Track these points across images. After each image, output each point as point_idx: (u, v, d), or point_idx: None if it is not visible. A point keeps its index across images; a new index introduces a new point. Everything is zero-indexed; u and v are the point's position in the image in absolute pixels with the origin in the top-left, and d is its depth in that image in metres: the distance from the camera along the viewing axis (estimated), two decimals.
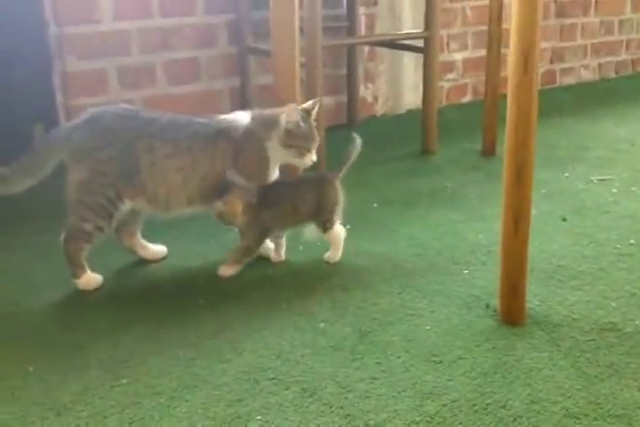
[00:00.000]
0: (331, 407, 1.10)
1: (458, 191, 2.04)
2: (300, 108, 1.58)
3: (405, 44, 2.47)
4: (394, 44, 2.52)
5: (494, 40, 2.40)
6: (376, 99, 2.91)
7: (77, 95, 2.28)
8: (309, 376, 1.18)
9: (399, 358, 1.23)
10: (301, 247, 1.68)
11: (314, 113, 1.60)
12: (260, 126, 1.55)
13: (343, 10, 2.69)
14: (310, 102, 1.61)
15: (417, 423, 1.06)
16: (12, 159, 1.50)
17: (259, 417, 1.08)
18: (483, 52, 3.24)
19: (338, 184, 1.64)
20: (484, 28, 3.15)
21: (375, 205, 1.95)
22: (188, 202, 1.55)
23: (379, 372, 1.19)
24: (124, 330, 1.34)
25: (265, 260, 1.62)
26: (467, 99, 3.17)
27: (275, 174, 1.62)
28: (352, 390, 1.14)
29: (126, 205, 1.52)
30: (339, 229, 1.62)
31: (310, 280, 1.52)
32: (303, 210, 1.59)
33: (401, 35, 2.62)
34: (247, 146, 1.54)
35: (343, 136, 2.58)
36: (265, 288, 1.50)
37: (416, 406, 1.10)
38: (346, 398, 1.12)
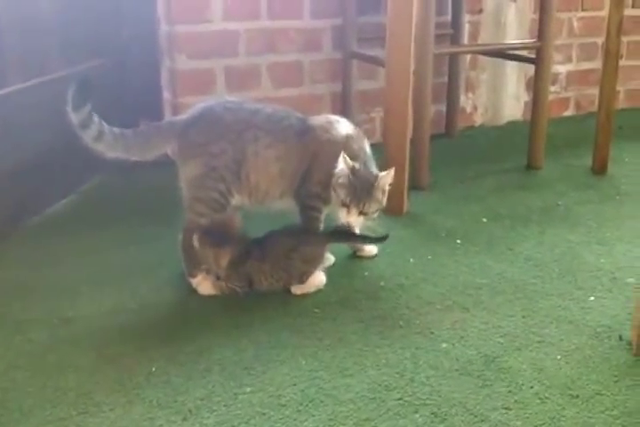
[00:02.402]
0: None
1: (572, 210, 1.96)
2: (356, 166, 1.48)
3: (515, 55, 2.40)
4: (503, 54, 2.45)
5: (612, 53, 2.28)
6: (475, 109, 2.84)
7: (184, 93, 2.31)
8: (437, 400, 1.14)
9: (532, 388, 1.17)
10: (412, 260, 1.65)
11: (382, 182, 1.49)
12: (345, 150, 1.50)
13: (448, 17, 2.65)
14: (384, 172, 1.51)
15: None
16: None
17: None
18: (588, 65, 3.16)
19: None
20: (591, 39, 3.08)
21: (484, 220, 1.90)
22: (281, 194, 1.56)
23: (512, 402, 1.13)
24: (246, 334, 1.33)
25: (376, 271, 1.59)
26: (568, 113, 3.06)
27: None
28: (485, 419, 1.09)
29: (235, 200, 1.54)
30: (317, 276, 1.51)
31: (426, 296, 1.48)
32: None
33: (514, 44, 2.54)
34: (325, 153, 1.53)
35: (441, 146, 2.59)
36: (379, 301, 1.47)
37: None
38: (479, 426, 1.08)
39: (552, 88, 2.98)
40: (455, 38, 2.63)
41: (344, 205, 1.48)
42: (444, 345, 1.30)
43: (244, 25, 2.34)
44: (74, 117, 1.43)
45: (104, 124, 1.47)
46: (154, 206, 1.91)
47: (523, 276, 1.57)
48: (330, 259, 1.63)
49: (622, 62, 2.76)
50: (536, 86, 2.29)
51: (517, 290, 1.51)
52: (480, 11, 2.71)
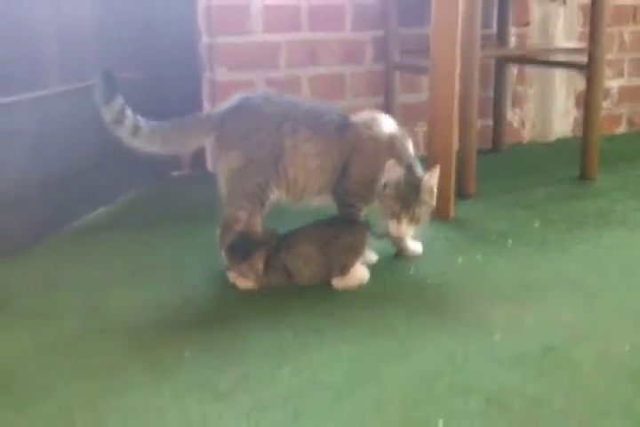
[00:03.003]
0: (525, 421, 0.97)
1: (630, 216, 1.87)
2: (402, 169, 1.44)
3: (564, 62, 2.37)
4: (552, 63, 2.43)
5: None
6: (523, 124, 2.81)
7: None
8: (492, 387, 1.06)
9: (597, 376, 1.08)
10: (460, 259, 1.59)
11: (431, 182, 1.47)
12: (389, 149, 1.49)
13: (493, 29, 2.65)
14: (429, 173, 1.48)
15: None
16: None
17: (440, 423, 0.98)
18: None
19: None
20: None
21: (537, 224, 1.83)
22: (319, 191, 1.53)
23: (576, 390, 1.05)
24: (284, 321, 1.29)
25: (422, 269, 1.54)
26: (621, 130, 3.00)
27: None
28: (546, 406, 1.01)
29: (274, 194, 1.52)
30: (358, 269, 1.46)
31: (476, 291, 1.42)
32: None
33: (563, 49, 2.51)
34: (366, 150, 1.50)
35: (489, 160, 2.54)
36: (425, 295, 1.41)
37: None
38: (540, 413, 0.99)
39: (604, 104, 2.94)
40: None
41: (394, 215, 1.44)
42: (497, 336, 1.22)
43: (285, 36, 2.38)
44: (105, 113, 1.44)
45: (139, 117, 1.47)
46: (191, 215, 1.90)
47: (580, 273, 1.49)
48: (372, 257, 1.59)
49: None
50: (588, 93, 2.24)
51: (575, 286, 1.43)
52: (527, 23, 2.71)
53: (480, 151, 2.35)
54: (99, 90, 1.42)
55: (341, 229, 1.45)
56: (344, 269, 1.43)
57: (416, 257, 1.61)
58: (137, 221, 1.90)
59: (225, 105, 1.55)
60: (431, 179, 1.47)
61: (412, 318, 1.30)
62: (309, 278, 1.44)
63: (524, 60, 2.66)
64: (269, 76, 2.40)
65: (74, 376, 1.13)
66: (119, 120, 1.44)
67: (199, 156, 2.47)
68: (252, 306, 1.37)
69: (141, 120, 1.47)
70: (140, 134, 1.47)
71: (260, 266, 1.43)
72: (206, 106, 2.40)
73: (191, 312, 1.36)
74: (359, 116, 1.57)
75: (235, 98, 1.55)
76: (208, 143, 1.57)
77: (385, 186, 1.45)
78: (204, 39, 2.33)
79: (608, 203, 1.99)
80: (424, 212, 1.47)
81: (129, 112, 1.45)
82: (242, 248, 1.43)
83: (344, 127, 1.53)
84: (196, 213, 1.90)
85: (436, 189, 1.49)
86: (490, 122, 2.70)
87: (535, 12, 2.71)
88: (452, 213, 1.90)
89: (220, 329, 1.27)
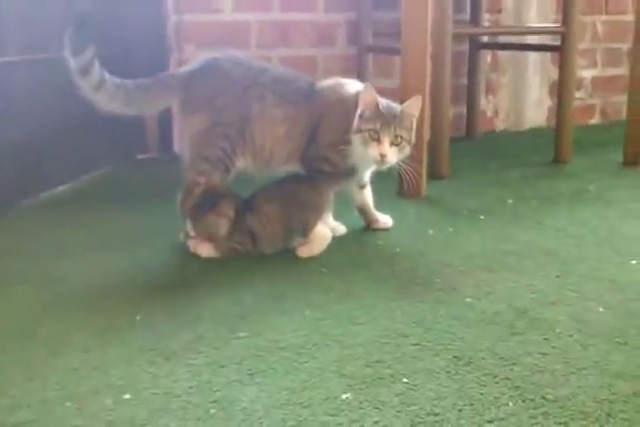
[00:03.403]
0: (494, 378, 0.92)
1: (604, 194, 1.84)
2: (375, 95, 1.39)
3: (537, 45, 2.35)
4: (524, 46, 2.41)
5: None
6: (497, 113, 2.78)
7: None
8: (461, 346, 1.01)
9: (571, 336, 1.03)
10: (431, 231, 1.54)
11: (412, 111, 1.41)
12: (356, 104, 1.41)
13: (467, 15, 2.63)
14: (409, 101, 1.43)
15: (611, 402, 0.86)
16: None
17: (405, 380, 0.92)
18: (613, 71, 3.12)
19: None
20: (616, 45, 3.05)
21: (510, 200, 1.78)
22: (287, 159, 1.47)
23: (549, 348, 1.00)
24: (246, 287, 1.23)
25: (392, 240, 1.48)
26: (594, 121, 2.99)
27: (366, 165, 1.46)
28: (518, 363, 0.96)
29: (240, 161, 1.45)
30: (321, 230, 1.41)
31: (447, 260, 1.37)
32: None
33: (536, 28, 2.49)
34: (335, 113, 1.45)
35: (463, 148, 2.51)
36: (394, 264, 1.35)
37: (605, 385, 0.90)
38: (512, 370, 0.94)
39: (577, 94, 2.93)
40: (474, 38, 2.61)
41: (373, 136, 1.37)
42: (469, 300, 1.17)
43: (256, 16, 2.33)
44: (73, 63, 1.36)
45: (105, 72, 1.41)
46: (154, 194, 1.82)
47: (554, 243, 1.45)
48: (341, 229, 1.53)
49: None
50: (562, 73, 2.20)
51: (549, 255, 1.39)
52: (499, 10, 2.70)
53: (453, 139, 2.32)
54: (70, 38, 1.34)
55: (301, 186, 1.40)
56: (305, 230, 1.38)
57: (386, 229, 1.56)
58: (100, 197, 1.82)
59: (191, 65, 1.49)
60: (411, 105, 1.41)
61: (381, 286, 1.24)
62: (272, 240, 1.38)
63: (497, 45, 2.65)
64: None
65: (16, 340, 1.05)
66: (86, 70, 1.37)
67: (166, 139, 2.40)
68: (212, 274, 1.30)
69: (107, 75, 1.41)
70: (104, 89, 1.40)
71: (230, 212, 1.36)
72: None
73: (148, 280, 1.29)
74: (325, 82, 1.52)
75: (202, 59, 1.49)
76: (173, 104, 1.50)
77: (362, 114, 1.38)
78: (172, 17, 2.28)
79: (582, 182, 1.96)
80: (405, 138, 1.39)
81: (97, 65, 1.38)
82: (209, 202, 1.36)
83: (311, 93, 1.48)
84: (160, 191, 1.81)
85: (415, 122, 1.42)
86: (463, 110, 2.68)
87: None
88: (423, 192, 1.85)
89: (176, 295, 1.21)
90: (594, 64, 2.93)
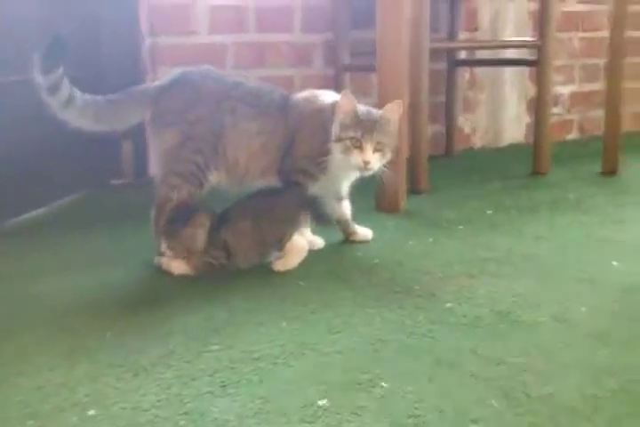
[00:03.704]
0: (476, 379, 0.89)
1: (583, 201, 1.84)
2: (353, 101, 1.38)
3: (514, 59, 2.38)
4: (501, 61, 2.43)
5: (616, 73, 2.18)
6: (474, 130, 2.80)
7: None
8: (442, 349, 0.98)
9: (554, 336, 1.01)
10: (411, 242, 1.52)
11: (392, 116, 1.40)
12: (333, 112, 1.41)
13: (443, 34, 2.67)
14: (389, 104, 1.43)
15: (597, 398, 0.83)
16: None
17: (383, 384, 0.88)
18: (591, 87, 3.16)
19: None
20: (593, 61, 3.10)
21: (489, 211, 1.77)
22: (262, 173, 1.45)
23: (532, 348, 0.97)
24: (220, 303, 1.19)
25: (371, 251, 1.46)
26: (572, 136, 3.02)
27: (344, 177, 1.46)
28: (501, 363, 0.93)
29: (213, 176, 1.43)
30: (297, 241, 1.38)
31: (426, 268, 1.34)
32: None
33: (513, 42, 2.52)
34: (311, 124, 1.44)
35: (442, 164, 2.51)
36: (373, 274, 1.33)
37: (590, 382, 0.87)
38: (495, 370, 0.91)
39: (555, 110, 2.95)
40: (451, 55, 2.64)
41: (355, 144, 1.35)
42: (449, 305, 1.14)
43: (232, 38, 2.35)
44: (42, 81, 1.35)
45: (75, 89, 1.40)
46: (126, 218, 1.78)
47: (534, 249, 1.44)
48: (318, 242, 1.51)
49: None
50: (539, 87, 2.22)
51: (529, 260, 1.37)
52: (476, 28, 2.74)
53: (432, 157, 2.32)
54: (41, 57, 1.33)
55: (275, 199, 1.38)
56: (280, 244, 1.35)
57: (365, 242, 1.54)
58: (72, 221, 1.79)
59: (163, 80, 1.48)
60: (392, 108, 1.40)
61: (359, 295, 1.21)
62: (247, 255, 1.35)
63: (474, 62, 2.68)
64: None
65: None
66: (56, 88, 1.36)
67: (141, 164, 2.38)
68: (184, 291, 1.27)
69: (77, 92, 1.39)
70: (73, 106, 1.38)
71: (206, 222, 1.33)
72: None
73: (119, 298, 1.25)
74: (300, 94, 1.51)
75: (174, 73, 1.48)
76: (145, 119, 1.48)
77: (341, 122, 1.36)
78: (147, 39, 2.28)
79: (561, 192, 1.96)
80: (386, 144, 1.37)
81: (67, 82, 1.37)
82: (183, 216, 1.33)
83: (286, 105, 1.47)
84: (133, 215, 1.79)
85: (397, 126, 1.41)
86: (441, 127, 2.69)
87: (484, 18, 2.75)
88: (402, 206, 1.84)
89: (147, 313, 1.17)
90: (572, 80, 2.97)
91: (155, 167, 1.47)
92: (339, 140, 1.37)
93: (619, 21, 2.11)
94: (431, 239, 1.54)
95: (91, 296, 1.26)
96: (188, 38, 2.27)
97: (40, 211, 1.88)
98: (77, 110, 1.39)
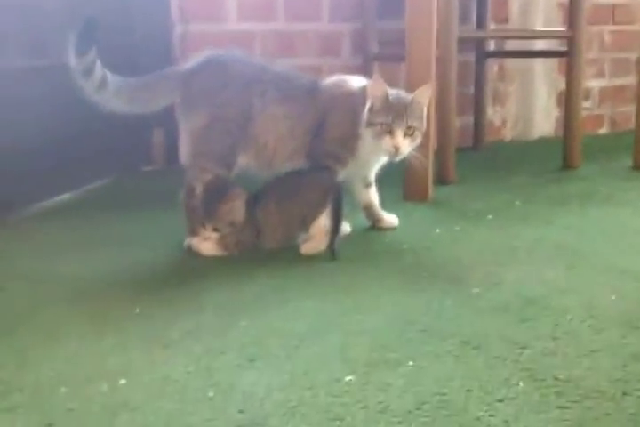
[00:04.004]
0: (504, 361, 0.89)
1: (615, 195, 1.83)
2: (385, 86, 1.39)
3: (544, 51, 2.36)
4: (531, 53, 2.41)
5: None
6: (504, 122, 2.79)
7: None
8: (469, 331, 0.98)
9: (583, 322, 1.01)
10: (438, 230, 1.52)
11: (422, 100, 1.41)
12: (364, 98, 1.41)
13: (473, 25, 2.65)
14: (419, 89, 1.43)
15: (626, 382, 0.83)
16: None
17: (410, 363, 0.89)
18: (621, 81, 3.12)
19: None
20: (624, 55, 3.06)
21: (518, 202, 1.77)
22: (291, 156, 1.46)
23: (560, 333, 0.97)
24: (247, 281, 1.21)
25: (398, 238, 1.47)
26: (603, 130, 2.99)
27: (374, 162, 1.47)
28: (527, 347, 0.93)
29: (242, 158, 1.45)
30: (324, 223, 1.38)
31: (454, 254, 1.35)
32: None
33: (543, 32, 2.50)
34: (341, 107, 1.44)
35: (470, 156, 2.51)
36: (401, 259, 1.34)
37: (619, 366, 0.87)
38: (521, 353, 0.91)
39: (585, 104, 2.92)
40: (481, 47, 2.63)
41: (387, 129, 1.36)
42: (476, 290, 1.15)
43: (260, 26, 2.36)
44: (76, 63, 1.38)
45: (107, 71, 1.42)
46: (161, 202, 1.80)
47: (564, 239, 1.43)
48: (346, 228, 1.52)
49: None
50: (569, 79, 2.19)
51: (559, 249, 1.37)
52: (506, 20, 2.72)
53: (460, 149, 2.31)
54: (75, 39, 1.36)
55: (302, 180, 1.40)
56: (305, 224, 1.37)
57: (392, 229, 1.54)
58: (102, 205, 1.82)
59: (192, 62, 1.50)
60: (422, 92, 1.41)
61: (386, 278, 1.22)
62: (274, 235, 1.37)
63: (504, 53, 2.66)
64: None
65: (11, 329, 1.03)
66: (89, 70, 1.38)
67: (173, 151, 2.40)
68: (214, 270, 1.29)
69: (109, 74, 1.42)
70: (106, 88, 1.41)
71: (242, 195, 1.35)
72: None
73: (148, 276, 1.27)
74: (329, 79, 1.52)
75: (203, 55, 1.50)
76: (175, 101, 1.50)
77: (372, 107, 1.37)
78: (178, 26, 2.31)
79: (591, 185, 1.94)
80: (417, 128, 1.38)
81: (99, 65, 1.39)
82: (216, 194, 1.35)
83: (315, 90, 1.48)
84: (163, 201, 1.80)
85: (426, 110, 1.42)
86: (470, 119, 2.68)
87: (514, 8, 2.73)
88: (430, 195, 1.84)
89: (176, 289, 1.19)
90: (602, 74, 2.93)
91: (184, 150, 1.49)
92: (370, 124, 1.38)
93: None
94: (458, 228, 1.54)
95: (119, 273, 1.28)
96: (217, 25, 2.29)
97: (70, 195, 1.92)
98: (110, 92, 1.42)
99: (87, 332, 1.02)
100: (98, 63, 1.40)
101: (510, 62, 2.73)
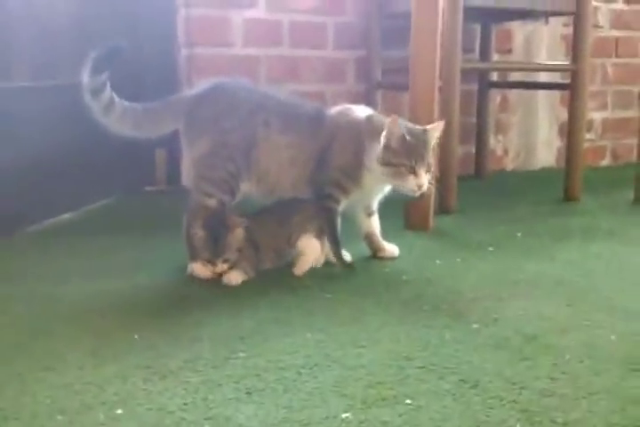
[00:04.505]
0: (501, 401, 0.90)
1: (617, 230, 1.84)
2: (406, 123, 1.45)
3: (547, 83, 2.40)
4: (534, 84, 2.45)
5: None
6: (506, 152, 2.82)
7: None
8: (467, 369, 0.99)
9: (582, 362, 1.01)
10: (439, 261, 1.53)
11: (436, 134, 1.46)
12: (369, 128, 1.45)
13: (475, 55, 2.70)
14: (433, 124, 1.49)
15: (623, 426, 0.84)
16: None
17: (408, 401, 0.90)
18: (623, 114, 3.16)
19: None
20: (627, 87, 3.10)
21: (519, 234, 1.79)
22: (293, 184, 1.49)
23: (558, 373, 0.98)
24: (247, 312, 1.22)
25: (399, 268, 1.48)
26: (605, 162, 3.02)
27: (378, 191, 1.51)
28: (526, 387, 0.94)
29: (245, 185, 1.48)
30: (308, 241, 1.45)
31: (455, 288, 1.36)
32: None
33: (546, 65, 2.54)
34: (345, 135, 1.47)
35: (471, 185, 2.52)
36: (401, 291, 1.34)
37: (617, 410, 0.87)
38: (520, 394, 0.92)
39: (587, 135, 2.96)
40: (484, 77, 2.66)
41: (411, 171, 1.39)
42: (476, 326, 1.15)
43: (265, 51, 2.40)
44: (88, 82, 1.42)
45: (114, 95, 1.45)
46: (157, 225, 1.83)
47: (566, 275, 1.44)
48: (347, 257, 1.53)
49: None
50: (571, 112, 2.23)
51: (559, 285, 1.38)
52: (509, 50, 2.77)
53: (462, 177, 2.34)
54: (94, 59, 1.40)
55: (294, 206, 1.47)
56: (291, 239, 1.43)
57: (392, 259, 1.55)
58: (103, 226, 1.84)
59: (197, 89, 1.53)
60: (435, 131, 1.45)
61: (386, 311, 1.23)
62: (267, 254, 1.44)
63: (507, 83, 2.70)
64: None
65: (10, 355, 1.04)
66: (99, 91, 1.42)
67: (175, 172, 2.43)
68: (214, 298, 1.30)
69: (116, 98, 1.45)
70: (113, 111, 1.44)
71: (240, 221, 1.39)
72: None
73: (148, 303, 1.28)
74: (334, 108, 1.55)
75: (208, 82, 1.53)
76: (183, 128, 1.53)
77: (388, 145, 1.39)
78: (184, 50, 2.34)
79: (593, 220, 1.96)
80: (432, 162, 1.43)
81: (109, 87, 1.43)
82: (218, 225, 1.38)
83: (319, 119, 1.51)
84: (164, 222, 1.84)
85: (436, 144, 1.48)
86: (472, 148, 2.71)
87: (518, 40, 2.77)
88: (431, 225, 1.86)
89: (176, 318, 1.20)
90: (604, 106, 2.98)
91: (187, 176, 1.51)
92: (387, 164, 1.40)
93: None
94: (459, 259, 1.55)
95: (119, 299, 1.29)
96: (223, 50, 2.34)
97: (72, 214, 1.94)
98: (117, 116, 1.45)
99: (86, 360, 1.02)
100: (108, 85, 1.44)
101: (513, 93, 2.77)
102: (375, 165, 1.42)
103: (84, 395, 0.92)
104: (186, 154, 1.51)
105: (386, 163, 1.40)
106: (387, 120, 1.42)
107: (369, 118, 1.49)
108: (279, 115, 1.48)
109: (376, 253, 1.58)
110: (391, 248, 1.59)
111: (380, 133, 1.42)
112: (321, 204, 1.47)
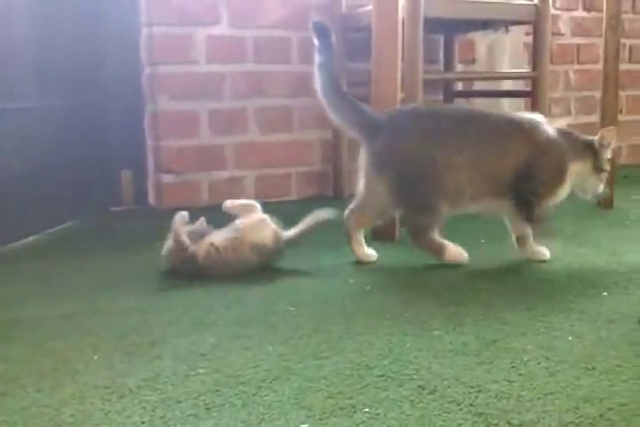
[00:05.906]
0: (458, 405, 0.91)
1: (579, 233, 1.88)
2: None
3: (509, 91, 2.45)
4: (497, 93, 2.50)
5: (609, 105, 2.24)
6: None
7: (167, 136, 2.34)
8: (427, 376, 1.00)
9: (539, 363, 1.03)
10: (403, 270, 1.55)
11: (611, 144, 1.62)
12: (569, 146, 1.59)
13: (440, 66, 2.74)
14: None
15: (577, 425, 0.85)
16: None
17: (366, 410, 0.90)
18: (587, 119, 3.22)
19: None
20: (589, 93, 3.17)
21: (482, 241, 1.82)
22: (473, 197, 1.57)
23: (515, 375, 0.99)
24: (209, 328, 1.22)
25: (362, 275, 1.50)
26: None
27: (563, 196, 1.64)
28: (483, 390, 0.95)
29: (443, 206, 1.56)
30: None
31: (417, 295, 1.38)
32: None
33: (506, 73, 2.60)
34: (552, 154, 1.57)
35: None
36: (364, 301, 1.35)
37: (571, 409, 0.89)
38: (476, 397, 0.93)
39: None
40: (448, 88, 2.71)
41: (606, 176, 1.64)
42: (437, 332, 1.17)
43: (229, 67, 2.42)
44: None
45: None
46: (129, 243, 1.85)
47: (527, 280, 1.48)
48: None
49: (622, 117, 2.82)
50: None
51: (522, 291, 1.40)
52: (473, 61, 2.82)
53: None
54: None
55: None
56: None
57: (543, 261, 1.60)
58: (65, 249, 1.83)
59: (377, 120, 1.61)
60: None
61: (349, 321, 1.24)
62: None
63: (471, 93, 2.75)
64: (213, 107, 2.42)
65: None
66: None
67: (141, 191, 2.43)
68: (174, 316, 1.29)
69: None
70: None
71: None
72: (149, 140, 2.38)
73: (108, 323, 1.27)
74: (522, 117, 1.62)
75: (382, 116, 1.62)
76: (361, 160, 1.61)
77: (602, 153, 1.60)
78: (147, 69, 2.35)
79: (558, 224, 2.00)
80: None
81: None
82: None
83: (511, 131, 1.57)
84: (129, 242, 1.85)
85: None
86: None
87: (481, 50, 2.83)
88: (397, 235, 1.87)
89: (136, 334, 1.20)
90: (568, 112, 3.04)
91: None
92: (602, 171, 1.61)
93: (611, 54, 2.17)
94: (424, 268, 1.57)
95: (78, 321, 1.28)
96: (186, 67, 2.35)
97: (36, 237, 1.93)
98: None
99: (43, 383, 1.02)
100: None
101: (478, 102, 2.81)
102: (589, 174, 1.60)
103: (40, 418, 0.92)
104: (371, 181, 1.60)
105: (603, 170, 1.61)
106: (602, 130, 1.65)
107: (562, 135, 1.61)
108: (457, 134, 1.55)
109: (526, 256, 1.62)
110: (541, 251, 1.62)
111: (587, 149, 1.60)
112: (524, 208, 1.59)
